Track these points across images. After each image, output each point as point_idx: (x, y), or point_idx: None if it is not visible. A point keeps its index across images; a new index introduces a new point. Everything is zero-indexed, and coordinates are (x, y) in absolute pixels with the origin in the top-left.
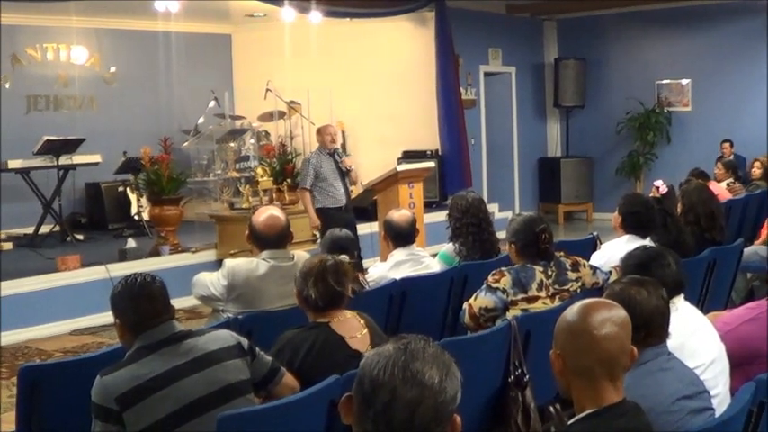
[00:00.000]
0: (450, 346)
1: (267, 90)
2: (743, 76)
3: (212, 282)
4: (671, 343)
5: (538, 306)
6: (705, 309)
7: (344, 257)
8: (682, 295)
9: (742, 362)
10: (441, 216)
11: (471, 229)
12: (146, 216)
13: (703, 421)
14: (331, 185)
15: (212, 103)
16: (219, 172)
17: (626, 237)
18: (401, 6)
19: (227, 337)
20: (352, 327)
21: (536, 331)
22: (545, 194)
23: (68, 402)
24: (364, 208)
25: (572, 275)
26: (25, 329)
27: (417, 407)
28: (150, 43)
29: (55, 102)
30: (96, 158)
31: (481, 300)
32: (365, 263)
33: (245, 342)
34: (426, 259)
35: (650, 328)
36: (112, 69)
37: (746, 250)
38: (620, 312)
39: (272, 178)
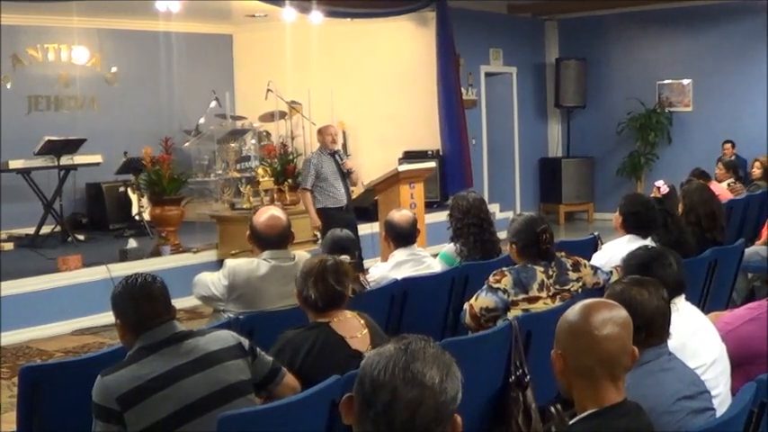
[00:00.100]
0: (451, 346)
1: (268, 90)
2: (744, 77)
3: (213, 282)
4: (672, 343)
5: (539, 306)
6: (706, 309)
7: (345, 258)
8: (683, 295)
9: (743, 362)
10: (442, 216)
11: (472, 229)
12: (147, 216)
13: (704, 421)
14: (332, 186)
15: (213, 104)
16: (220, 172)
17: (627, 237)
18: (402, 6)
19: (227, 338)
20: (352, 327)
21: (537, 331)
22: (546, 195)
23: (69, 403)
24: (365, 208)
25: (573, 276)
26: (26, 330)
27: (418, 407)
28: (151, 43)
29: (56, 102)
30: (97, 159)
31: (482, 300)
32: (366, 263)
33: (245, 342)
34: (427, 259)
35: (651, 329)
36: (113, 69)
37: (747, 250)
38: (621, 313)
39: (272, 178)
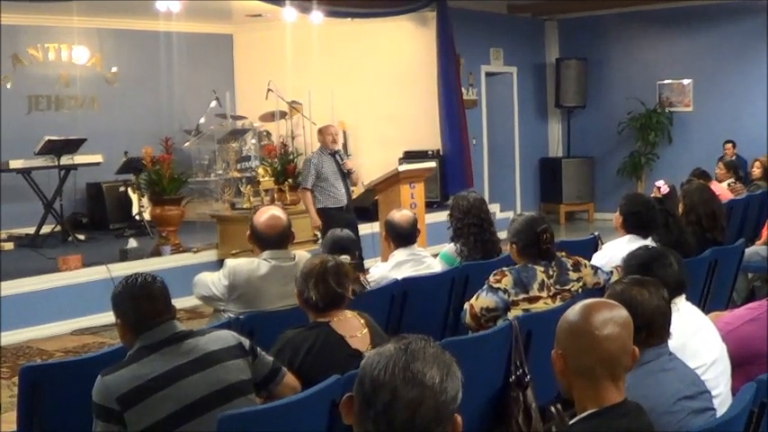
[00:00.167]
0: (452, 346)
1: (268, 90)
2: (744, 77)
3: (213, 282)
4: (672, 343)
5: (539, 306)
6: (706, 309)
7: (345, 258)
8: (683, 295)
9: (743, 362)
10: (442, 216)
11: (473, 229)
12: (147, 216)
13: (704, 422)
14: (332, 185)
15: (214, 103)
16: (221, 172)
17: (627, 237)
18: (402, 6)
19: (228, 338)
20: (352, 326)
21: (537, 331)
22: (546, 194)
23: (69, 402)
24: (365, 208)
25: (573, 275)
26: (26, 329)
27: (418, 407)
28: (152, 43)
29: (56, 102)
30: (98, 158)
31: (482, 300)
32: (366, 263)
33: (246, 342)
34: (428, 259)
35: (652, 329)
36: (114, 69)
37: (748, 250)
38: (621, 313)
39: (273, 178)
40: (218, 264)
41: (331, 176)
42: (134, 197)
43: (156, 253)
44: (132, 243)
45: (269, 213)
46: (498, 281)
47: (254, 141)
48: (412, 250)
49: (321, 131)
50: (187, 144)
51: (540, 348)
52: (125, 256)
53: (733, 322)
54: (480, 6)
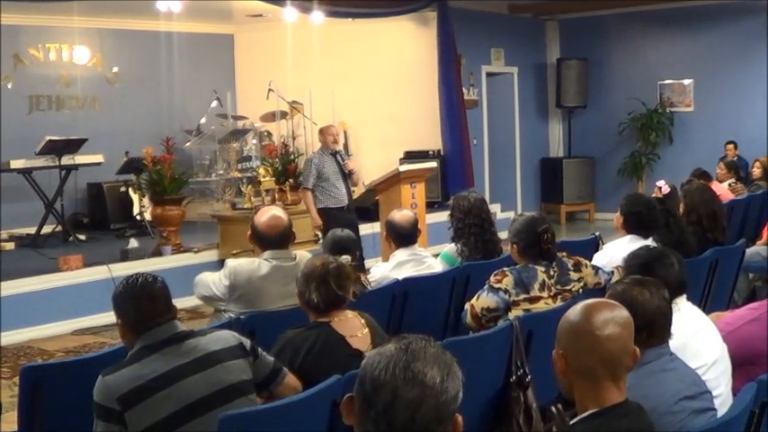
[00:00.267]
0: (453, 346)
1: (269, 90)
2: (744, 77)
3: (214, 282)
4: (673, 343)
5: (540, 306)
6: (707, 309)
7: (346, 258)
8: (684, 296)
9: (744, 362)
10: (443, 216)
11: (473, 229)
12: (148, 216)
13: (705, 422)
14: (333, 186)
15: (214, 103)
16: (222, 172)
17: (628, 237)
18: (403, 6)
19: (228, 338)
20: (352, 326)
21: (538, 331)
22: (547, 195)
23: (70, 402)
24: (366, 208)
25: (574, 276)
26: (27, 329)
27: (419, 407)
28: (152, 43)
29: (57, 102)
30: (98, 158)
31: (483, 300)
32: (367, 263)
33: (247, 342)
34: (428, 259)
35: (652, 329)
36: (115, 69)
37: (748, 251)
38: (622, 313)
39: (274, 178)
40: (219, 264)
41: (332, 176)
42: (135, 197)
43: (157, 253)
44: (133, 243)
45: (270, 213)
46: (499, 281)
47: (254, 141)
48: (413, 250)
49: (322, 132)
50: (188, 144)
51: (541, 348)
52: (126, 256)
53: (734, 322)
54: (481, 6)
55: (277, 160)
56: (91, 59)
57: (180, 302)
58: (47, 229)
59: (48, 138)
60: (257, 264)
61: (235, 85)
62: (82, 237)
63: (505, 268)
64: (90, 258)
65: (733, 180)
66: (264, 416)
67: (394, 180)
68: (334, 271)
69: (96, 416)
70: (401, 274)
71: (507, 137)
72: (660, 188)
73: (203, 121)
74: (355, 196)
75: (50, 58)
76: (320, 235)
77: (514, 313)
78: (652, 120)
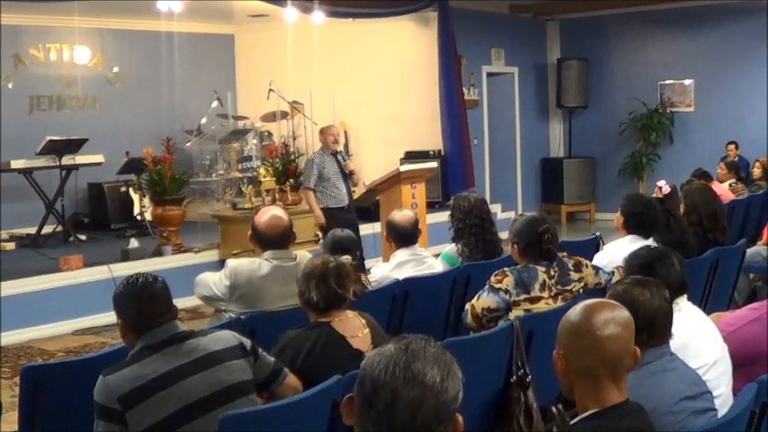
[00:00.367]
0: (453, 346)
1: (270, 90)
2: (745, 77)
3: (215, 282)
4: (674, 343)
5: (540, 306)
6: (708, 309)
7: (346, 258)
8: (685, 296)
9: (745, 362)
10: (443, 216)
11: (474, 229)
12: (148, 216)
13: (706, 422)
14: (333, 186)
15: (215, 104)
16: (222, 172)
17: (629, 237)
18: (404, 6)
19: (229, 338)
20: (353, 326)
21: (539, 331)
22: (548, 195)
23: (71, 402)
24: (367, 208)
25: (575, 276)
26: (28, 329)
27: (419, 407)
28: (153, 43)
29: (58, 102)
30: (99, 158)
31: (484, 300)
32: (368, 263)
33: (247, 343)
34: (429, 259)
35: (653, 329)
36: (115, 69)
37: (749, 251)
38: (623, 313)
39: (274, 178)
40: (220, 264)
41: (333, 177)
42: (135, 197)
43: (158, 253)
44: (134, 243)
45: (270, 213)
46: (499, 281)
47: (255, 141)
48: (413, 250)
49: (322, 132)
50: (188, 144)
51: (542, 349)
52: (126, 256)
53: (735, 323)
54: (482, 6)
55: (277, 160)
56: (91, 59)
57: (180, 302)
58: (47, 229)
59: (48, 138)
60: (258, 264)
61: (235, 85)
62: (82, 237)
63: (506, 268)
64: (90, 258)
65: (733, 180)
66: (265, 416)
67: (394, 180)
68: (333, 270)
69: (97, 416)
70: (402, 274)
71: (508, 137)
72: (660, 188)
73: (204, 121)
74: (356, 196)
75: (51, 58)
76: (321, 235)
77: (515, 313)
78: (652, 120)
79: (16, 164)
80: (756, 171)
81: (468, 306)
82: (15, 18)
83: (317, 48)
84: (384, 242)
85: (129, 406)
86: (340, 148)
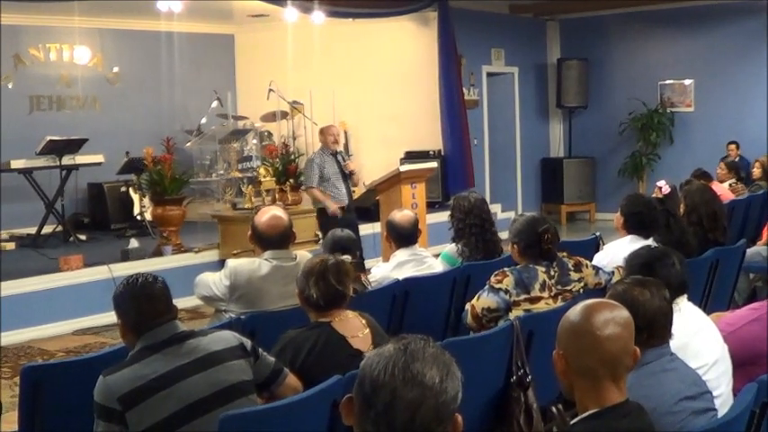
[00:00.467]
0: (453, 346)
1: (270, 90)
2: (745, 77)
3: (215, 282)
4: (674, 343)
5: (540, 306)
6: (708, 309)
7: (346, 258)
8: (685, 296)
9: (745, 362)
10: (443, 216)
11: (474, 229)
12: (148, 216)
13: (706, 422)
14: (334, 186)
15: (215, 104)
16: (222, 172)
17: (629, 237)
18: (404, 6)
19: (229, 338)
20: (353, 326)
21: (539, 332)
22: (548, 195)
23: (71, 402)
24: (367, 208)
25: (575, 276)
26: (28, 329)
27: (418, 407)
28: (153, 43)
29: (58, 102)
30: (99, 158)
31: (484, 300)
32: (368, 263)
33: (247, 343)
34: (429, 259)
35: (653, 329)
36: (115, 69)
37: (749, 251)
38: (622, 313)
39: (274, 178)
40: (220, 264)
41: (333, 177)
42: (135, 197)
43: (158, 253)
44: (134, 243)
45: (270, 213)
46: (499, 281)
47: (255, 141)
48: (413, 250)
49: (322, 132)
50: (188, 144)
51: (542, 349)
52: (126, 256)
53: (735, 323)
54: (482, 6)
55: (277, 160)
56: (91, 59)
57: (180, 302)
58: (47, 229)
59: (48, 138)
60: (258, 264)
61: (235, 86)
62: (82, 237)
63: (506, 268)
64: (90, 258)
65: (733, 180)
66: (265, 416)
67: (394, 180)
68: (333, 267)
69: (97, 416)
70: (402, 274)
71: (508, 137)
72: (660, 188)
73: (204, 121)
74: (356, 196)
75: (51, 58)
76: (320, 235)
77: (515, 313)
78: (653, 120)
79: (16, 164)
80: (756, 171)
81: (468, 306)
82: (15, 18)
83: (317, 48)
84: (384, 242)
85: (130, 406)
86: (340, 148)
